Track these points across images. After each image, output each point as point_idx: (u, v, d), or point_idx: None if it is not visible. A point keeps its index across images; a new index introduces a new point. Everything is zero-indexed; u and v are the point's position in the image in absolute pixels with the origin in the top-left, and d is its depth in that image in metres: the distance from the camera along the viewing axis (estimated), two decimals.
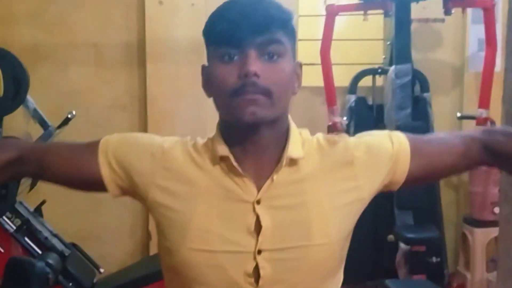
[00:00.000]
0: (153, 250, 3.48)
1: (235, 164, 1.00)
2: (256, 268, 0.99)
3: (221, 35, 0.96)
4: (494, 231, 3.00)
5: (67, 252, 3.10)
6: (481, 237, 3.47)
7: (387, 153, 1.07)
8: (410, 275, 3.20)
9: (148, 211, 1.09)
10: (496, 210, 2.93)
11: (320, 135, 1.08)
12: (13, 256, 2.67)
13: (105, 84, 3.70)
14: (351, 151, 1.06)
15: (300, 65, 1.04)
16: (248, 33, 0.94)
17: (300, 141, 1.04)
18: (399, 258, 3.22)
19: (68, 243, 3.17)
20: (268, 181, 1.01)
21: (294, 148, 1.02)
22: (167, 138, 1.09)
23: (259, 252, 1.00)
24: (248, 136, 1.00)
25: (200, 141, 1.06)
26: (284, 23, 0.98)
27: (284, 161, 1.00)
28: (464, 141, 1.12)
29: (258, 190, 1.01)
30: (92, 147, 1.06)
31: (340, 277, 1.10)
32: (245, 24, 0.94)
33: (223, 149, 1.01)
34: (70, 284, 3.00)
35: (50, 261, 2.62)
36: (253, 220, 1.00)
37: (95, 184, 1.06)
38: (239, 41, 0.95)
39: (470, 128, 3.58)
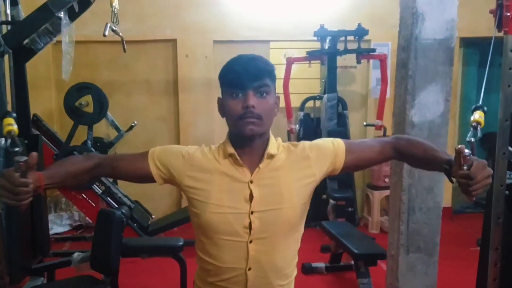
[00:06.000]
0: (183, 204, 4.21)
1: (238, 158, 1.14)
2: (250, 223, 1.12)
3: (231, 81, 1.10)
4: (385, 193, 4.03)
5: (132, 205, 3.84)
6: (377, 196, 4.34)
7: (330, 151, 1.20)
8: (336, 218, 3.93)
9: (181, 191, 1.21)
10: (387, 180, 3.86)
11: (287, 142, 1.21)
12: (101, 209, 3.00)
13: (154, 105, 4.56)
14: (307, 151, 1.19)
15: (279, 97, 1.16)
16: (248, 81, 1.08)
17: (276, 145, 1.18)
18: (329, 209, 3.98)
19: (133, 200, 3.97)
20: (257, 169, 1.15)
21: (272, 148, 1.16)
22: (190, 147, 1.21)
23: (252, 212, 1.12)
24: (247, 142, 1.14)
25: (213, 146, 1.21)
26: (270, 73, 1.12)
27: (266, 155, 1.14)
28: (380, 144, 1.23)
29: (251, 174, 1.14)
30: (144, 156, 1.19)
31: (302, 228, 1.22)
32: (246, 74, 1.08)
33: (230, 149, 1.15)
34: (135, 225, 3.72)
35: (124, 211, 2.88)
36: (248, 193, 1.13)
37: (147, 178, 1.19)
38: (243, 86, 1.08)
39: (373, 131, 4.36)
